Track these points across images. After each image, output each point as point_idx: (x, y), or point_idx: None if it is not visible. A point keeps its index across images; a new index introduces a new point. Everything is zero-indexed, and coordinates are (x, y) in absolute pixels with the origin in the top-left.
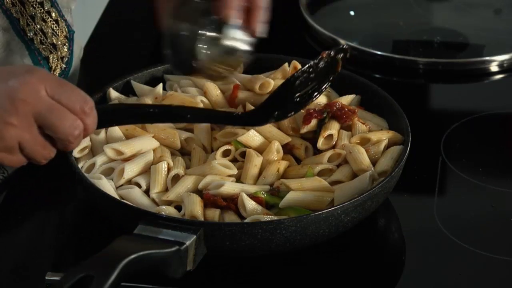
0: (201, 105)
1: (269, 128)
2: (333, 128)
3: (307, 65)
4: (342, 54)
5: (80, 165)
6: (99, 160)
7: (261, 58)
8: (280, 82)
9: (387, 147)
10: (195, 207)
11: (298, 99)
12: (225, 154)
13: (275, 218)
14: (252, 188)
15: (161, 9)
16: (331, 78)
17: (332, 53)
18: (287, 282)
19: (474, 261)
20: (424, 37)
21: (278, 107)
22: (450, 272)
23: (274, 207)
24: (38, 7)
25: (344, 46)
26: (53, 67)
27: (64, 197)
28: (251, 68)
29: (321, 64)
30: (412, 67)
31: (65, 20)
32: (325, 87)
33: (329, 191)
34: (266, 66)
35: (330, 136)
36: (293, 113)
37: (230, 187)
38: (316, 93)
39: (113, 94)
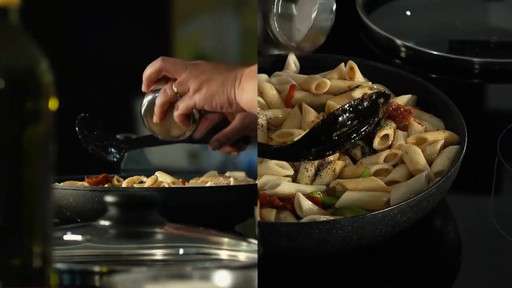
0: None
1: None
2: (389, 128)
3: (347, 104)
4: (383, 99)
5: None
6: None
7: (317, 58)
8: (336, 82)
9: (443, 147)
10: None
11: (336, 138)
12: None
13: (332, 218)
14: (308, 188)
15: None
16: (371, 122)
17: (374, 96)
18: (343, 281)
19: None
20: (480, 37)
21: (315, 144)
22: (507, 272)
23: (330, 207)
24: None
25: (387, 91)
26: None
27: None
28: (307, 68)
29: (362, 105)
30: (468, 67)
31: None
32: (365, 130)
33: (385, 191)
34: (322, 65)
35: (386, 136)
36: (330, 152)
37: (286, 187)
38: (354, 135)
39: None
